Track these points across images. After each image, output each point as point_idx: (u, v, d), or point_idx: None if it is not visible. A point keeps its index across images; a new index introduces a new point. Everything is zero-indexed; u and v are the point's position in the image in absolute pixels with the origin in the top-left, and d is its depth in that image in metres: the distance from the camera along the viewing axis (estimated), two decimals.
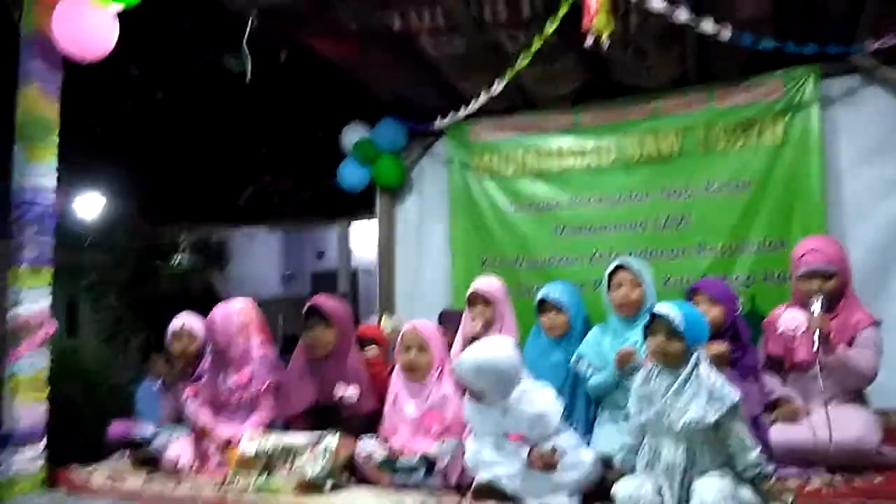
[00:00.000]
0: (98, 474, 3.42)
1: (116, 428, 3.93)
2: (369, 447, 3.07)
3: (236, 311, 3.63)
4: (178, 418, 3.86)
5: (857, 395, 3.10)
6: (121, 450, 3.81)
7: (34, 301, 3.26)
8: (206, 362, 3.77)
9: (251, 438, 3.23)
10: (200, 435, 3.47)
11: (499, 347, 2.81)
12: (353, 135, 5.38)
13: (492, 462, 2.73)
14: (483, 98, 4.39)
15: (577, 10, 3.35)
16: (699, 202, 4.56)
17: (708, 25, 3.67)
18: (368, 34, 4.13)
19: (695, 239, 4.53)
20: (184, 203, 8.00)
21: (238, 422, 3.53)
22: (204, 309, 3.82)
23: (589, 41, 3.24)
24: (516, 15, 3.88)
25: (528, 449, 2.69)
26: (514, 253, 5.06)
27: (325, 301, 3.50)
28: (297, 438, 3.17)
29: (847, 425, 2.83)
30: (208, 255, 8.80)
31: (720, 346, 2.94)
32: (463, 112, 4.66)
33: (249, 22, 3.81)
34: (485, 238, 5.17)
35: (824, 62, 4.21)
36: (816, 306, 2.99)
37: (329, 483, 2.99)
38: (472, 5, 3.84)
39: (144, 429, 3.81)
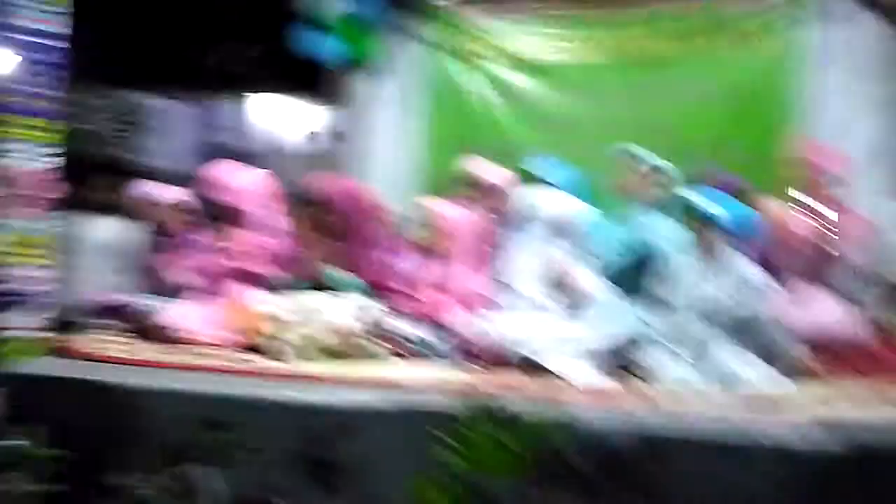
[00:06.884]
0: (110, 343, 3.18)
1: (100, 296, 3.71)
2: None
3: (259, 178, 3.41)
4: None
5: None
6: (106, 317, 3.59)
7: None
8: (195, 231, 3.60)
9: (268, 300, 3.08)
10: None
11: None
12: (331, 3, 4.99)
13: None
14: None
15: None
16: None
17: None
18: None
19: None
20: (104, 65, 7.27)
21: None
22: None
23: None
24: None
25: None
26: (493, 143, 5.00)
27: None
28: (319, 296, 3.05)
29: None
30: (123, 121, 8.12)
31: None
32: None
33: None
34: (465, 126, 5.06)
35: None
36: None
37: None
38: None
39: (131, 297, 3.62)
